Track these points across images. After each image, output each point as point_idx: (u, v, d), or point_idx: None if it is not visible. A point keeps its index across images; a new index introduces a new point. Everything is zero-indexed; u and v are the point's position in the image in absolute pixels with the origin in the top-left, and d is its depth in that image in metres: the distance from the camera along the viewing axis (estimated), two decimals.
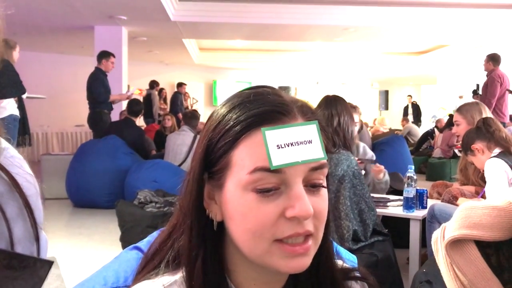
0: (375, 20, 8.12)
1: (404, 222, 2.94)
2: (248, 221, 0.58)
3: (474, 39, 9.76)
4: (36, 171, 0.69)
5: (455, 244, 0.67)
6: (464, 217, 0.67)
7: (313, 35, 9.51)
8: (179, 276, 0.63)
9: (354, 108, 3.60)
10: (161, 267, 0.65)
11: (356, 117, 3.40)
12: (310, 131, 0.59)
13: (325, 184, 0.62)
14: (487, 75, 6.43)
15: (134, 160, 5.71)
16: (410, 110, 15.23)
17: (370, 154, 3.51)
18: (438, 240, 0.70)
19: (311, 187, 0.60)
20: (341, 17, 8.04)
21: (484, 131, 2.90)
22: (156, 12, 7.29)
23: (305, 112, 0.63)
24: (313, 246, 0.60)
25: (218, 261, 0.63)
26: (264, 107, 0.60)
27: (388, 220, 3.08)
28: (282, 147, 0.57)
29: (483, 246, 0.66)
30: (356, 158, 3.30)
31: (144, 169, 5.17)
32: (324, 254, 0.67)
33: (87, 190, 5.56)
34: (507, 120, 6.44)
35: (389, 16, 8.09)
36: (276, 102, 0.62)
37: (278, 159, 0.56)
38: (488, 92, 6.25)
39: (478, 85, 8.24)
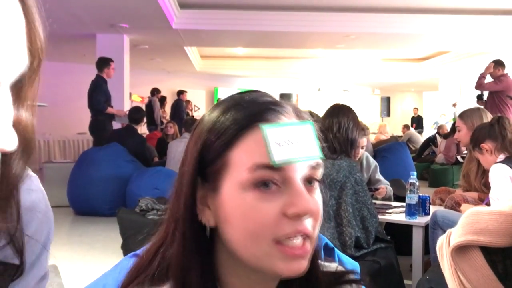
0: (376, 26, 8.13)
1: (407, 229, 2.93)
2: (248, 221, 0.57)
3: (475, 45, 9.77)
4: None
5: (461, 250, 0.65)
6: (470, 223, 0.66)
7: (315, 42, 9.53)
8: None
9: (363, 130, 3.57)
10: (145, 281, 0.62)
11: (364, 140, 3.38)
12: (306, 131, 0.59)
13: (319, 179, 0.62)
14: (495, 80, 6.40)
15: (135, 167, 5.70)
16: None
17: (374, 164, 3.49)
18: (443, 246, 0.69)
19: (308, 183, 0.60)
20: (342, 24, 8.05)
21: (496, 131, 2.86)
22: (158, 20, 7.31)
23: (299, 112, 0.63)
24: (310, 249, 0.59)
25: (210, 272, 0.62)
26: (261, 106, 0.61)
27: (390, 227, 3.06)
28: (281, 145, 0.56)
29: (489, 252, 0.65)
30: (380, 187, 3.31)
31: (146, 176, 5.16)
32: (315, 256, 0.66)
33: (88, 198, 5.55)
34: None
35: (390, 23, 8.09)
36: (272, 101, 0.62)
37: (278, 155, 0.55)
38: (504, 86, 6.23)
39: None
